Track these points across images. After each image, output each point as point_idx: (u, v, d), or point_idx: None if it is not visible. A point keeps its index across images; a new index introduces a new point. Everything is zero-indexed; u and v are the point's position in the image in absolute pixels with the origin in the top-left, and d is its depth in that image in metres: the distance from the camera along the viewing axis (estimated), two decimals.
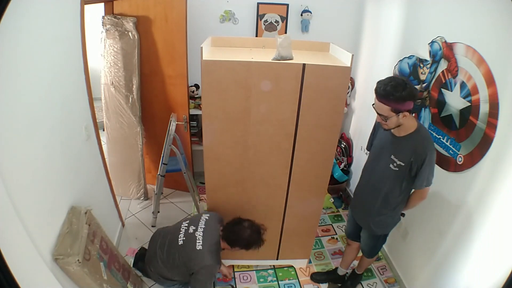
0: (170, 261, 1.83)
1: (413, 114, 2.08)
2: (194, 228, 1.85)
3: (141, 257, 2.08)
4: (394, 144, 1.58)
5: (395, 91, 1.37)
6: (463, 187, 1.60)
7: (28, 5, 1.22)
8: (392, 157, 1.56)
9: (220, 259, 1.86)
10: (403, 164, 1.53)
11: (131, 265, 2.09)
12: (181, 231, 1.87)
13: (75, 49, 1.77)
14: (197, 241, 1.78)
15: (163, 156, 2.42)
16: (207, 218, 1.91)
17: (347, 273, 2.25)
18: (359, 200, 1.84)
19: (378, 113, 1.47)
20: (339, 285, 2.21)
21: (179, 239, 1.83)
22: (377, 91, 1.43)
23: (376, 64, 2.63)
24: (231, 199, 1.96)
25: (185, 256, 1.78)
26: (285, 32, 2.85)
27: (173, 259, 1.81)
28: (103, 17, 2.46)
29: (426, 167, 1.48)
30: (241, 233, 1.80)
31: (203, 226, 1.86)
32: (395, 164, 1.56)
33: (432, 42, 1.86)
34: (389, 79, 1.42)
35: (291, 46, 1.62)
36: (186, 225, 1.90)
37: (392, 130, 1.56)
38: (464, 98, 1.61)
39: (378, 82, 1.44)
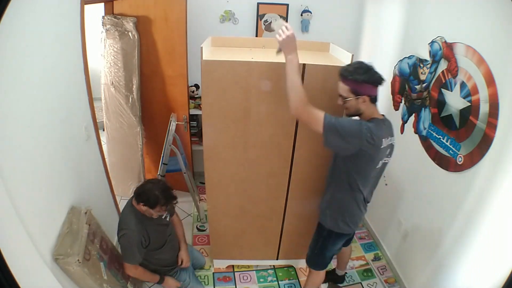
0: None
1: (413, 114, 2.08)
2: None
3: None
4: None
5: (355, 72, 1.38)
6: (463, 187, 1.60)
7: (28, 5, 1.22)
8: None
9: (143, 227, 1.76)
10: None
11: None
12: None
13: (75, 49, 1.77)
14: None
15: (163, 156, 2.42)
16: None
17: (346, 273, 2.25)
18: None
19: (339, 95, 1.47)
20: (339, 285, 2.21)
21: None
22: (340, 71, 1.43)
23: (376, 64, 2.59)
24: (231, 199, 1.96)
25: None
26: None
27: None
28: (103, 17, 2.46)
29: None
30: (143, 187, 1.72)
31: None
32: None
33: (432, 42, 1.86)
34: (355, 62, 1.46)
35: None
36: None
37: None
38: (464, 98, 1.61)
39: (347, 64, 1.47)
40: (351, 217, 1.61)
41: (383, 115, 1.51)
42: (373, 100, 1.44)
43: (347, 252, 2.08)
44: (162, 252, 1.90)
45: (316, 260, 1.82)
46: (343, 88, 1.44)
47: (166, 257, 1.96)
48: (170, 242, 1.96)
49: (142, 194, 1.70)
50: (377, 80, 1.40)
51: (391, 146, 1.52)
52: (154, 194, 1.68)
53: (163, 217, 1.89)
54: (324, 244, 1.73)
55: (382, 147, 1.42)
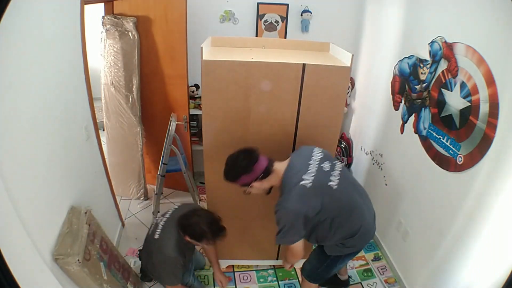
0: (146, 258, 1.81)
1: (413, 114, 2.08)
2: (162, 218, 1.80)
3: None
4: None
5: (227, 173, 1.49)
6: (463, 187, 1.60)
7: (28, 5, 1.22)
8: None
9: (184, 254, 1.74)
10: None
11: (137, 268, 2.10)
12: (155, 222, 1.85)
13: (75, 49, 1.77)
14: (157, 229, 1.72)
15: (163, 156, 2.42)
16: (177, 207, 1.85)
17: (350, 276, 2.23)
18: None
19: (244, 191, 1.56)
20: None
21: (149, 230, 1.84)
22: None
23: (376, 64, 2.63)
24: (231, 199, 1.96)
25: (147, 248, 1.75)
26: (285, 32, 2.85)
27: (145, 252, 1.81)
28: (103, 17, 2.46)
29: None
30: (190, 220, 1.66)
31: (168, 215, 1.79)
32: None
33: (432, 42, 1.86)
34: (226, 165, 1.50)
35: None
36: (162, 216, 1.84)
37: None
38: (464, 98, 1.61)
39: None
40: (356, 239, 1.54)
41: (288, 156, 1.56)
42: (267, 172, 1.47)
43: None
44: (191, 266, 1.94)
45: (316, 277, 1.78)
46: (238, 186, 1.52)
47: (191, 268, 1.99)
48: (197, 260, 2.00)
49: (188, 227, 1.65)
50: (245, 168, 1.45)
51: (324, 160, 1.51)
52: (201, 228, 1.62)
53: None
54: (330, 265, 1.68)
55: (315, 181, 1.40)
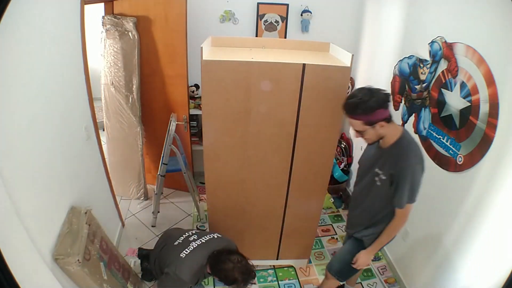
0: (162, 260, 1.82)
1: (413, 114, 2.08)
2: (195, 238, 1.81)
3: (145, 257, 2.09)
4: (378, 157, 1.47)
5: (361, 103, 1.30)
6: (463, 187, 1.60)
7: (28, 5, 1.22)
8: (377, 170, 1.46)
9: (196, 280, 1.74)
10: (384, 178, 1.42)
11: (137, 268, 2.09)
12: (184, 234, 1.86)
13: (75, 49, 1.77)
14: (186, 249, 1.72)
15: (163, 156, 2.42)
16: (215, 237, 1.84)
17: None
18: (349, 213, 1.78)
19: (354, 129, 1.43)
20: None
21: (177, 241, 1.82)
22: (344, 107, 1.37)
23: (376, 64, 2.63)
24: (231, 199, 1.96)
25: (168, 257, 1.75)
26: (285, 32, 2.85)
27: (164, 257, 1.80)
28: (103, 17, 2.46)
29: (404, 182, 1.35)
30: (223, 264, 1.63)
31: (203, 240, 1.78)
32: (379, 178, 1.45)
33: (432, 42, 1.86)
34: (354, 92, 1.36)
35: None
36: (193, 233, 1.87)
37: (378, 143, 1.47)
38: (464, 98, 1.61)
39: (346, 98, 1.38)
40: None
41: (400, 126, 1.45)
42: (389, 120, 1.36)
43: None
44: None
45: (347, 273, 1.76)
46: (355, 123, 1.37)
47: None
48: None
49: (220, 271, 1.63)
50: (385, 101, 1.32)
51: None
52: (234, 277, 1.59)
53: None
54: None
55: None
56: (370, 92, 1.31)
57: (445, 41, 1.75)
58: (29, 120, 1.26)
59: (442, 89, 1.79)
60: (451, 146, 1.70)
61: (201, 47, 1.54)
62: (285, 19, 2.79)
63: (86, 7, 1.83)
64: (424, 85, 1.96)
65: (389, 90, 2.38)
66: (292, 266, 2.37)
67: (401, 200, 1.39)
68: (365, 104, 1.29)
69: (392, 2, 2.37)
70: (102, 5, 2.45)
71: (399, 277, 2.24)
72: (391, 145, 1.40)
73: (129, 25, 2.38)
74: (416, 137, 2.03)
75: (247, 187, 1.91)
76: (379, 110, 1.31)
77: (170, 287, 1.71)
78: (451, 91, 1.71)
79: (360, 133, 1.41)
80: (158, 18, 2.36)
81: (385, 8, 2.48)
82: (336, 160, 3.09)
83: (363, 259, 1.62)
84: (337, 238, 2.67)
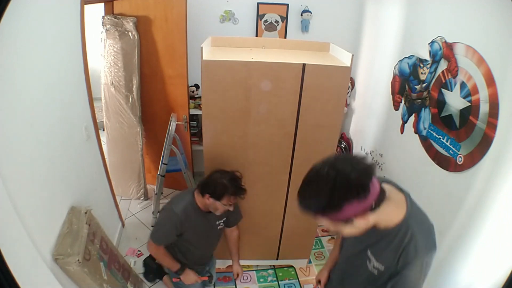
0: None
1: (413, 114, 2.08)
2: None
3: (151, 269, 2.07)
4: (373, 239, 1.00)
5: (317, 201, 0.83)
6: (463, 187, 1.60)
7: (28, 5, 1.22)
8: (369, 254, 1.02)
9: (186, 216, 1.65)
10: (381, 269, 0.98)
11: (137, 268, 2.08)
12: None
13: (75, 49, 1.77)
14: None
15: (163, 156, 2.42)
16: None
17: None
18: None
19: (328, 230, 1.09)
20: None
21: None
22: (298, 195, 0.89)
23: (376, 64, 2.63)
24: None
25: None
26: (285, 32, 2.85)
27: None
28: (103, 17, 2.46)
29: (408, 283, 0.93)
30: (211, 176, 1.62)
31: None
32: (372, 265, 1.01)
33: (432, 42, 1.86)
34: (317, 168, 0.86)
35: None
36: None
37: None
38: (464, 98, 1.61)
39: (303, 180, 0.89)
40: None
41: (403, 198, 0.96)
42: (377, 205, 0.86)
43: None
44: (195, 248, 1.83)
45: None
46: (328, 224, 0.91)
47: (196, 254, 1.88)
48: (208, 246, 1.93)
49: (209, 184, 1.60)
50: (363, 186, 0.81)
51: None
52: (222, 183, 1.57)
53: (217, 222, 1.82)
54: None
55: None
56: (339, 173, 0.80)
57: (445, 41, 1.75)
58: (29, 120, 1.26)
59: (442, 89, 1.79)
60: (451, 146, 1.70)
61: (201, 47, 1.54)
62: (285, 19, 2.79)
63: (86, 7, 1.83)
64: (424, 85, 1.96)
65: (389, 90, 2.38)
66: (292, 266, 2.37)
67: None
68: (327, 199, 0.81)
69: (392, 2, 2.37)
70: (102, 5, 2.45)
71: None
72: (392, 229, 0.93)
73: (129, 25, 2.38)
74: (416, 137, 2.03)
75: (247, 187, 1.91)
76: (352, 203, 0.81)
77: (162, 219, 1.72)
78: (451, 91, 1.71)
79: (336, 233, 1.03)
80: (158, 18, 2.36)
81: (385, 8, 2.48)
82: None
83: None
84: (337, 238, 2.67)
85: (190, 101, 2.75)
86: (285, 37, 2.87)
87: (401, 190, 0.99)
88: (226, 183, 1.58)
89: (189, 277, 1.82)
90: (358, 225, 0.88)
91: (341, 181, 0.79)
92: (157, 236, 1.71)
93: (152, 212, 2.62)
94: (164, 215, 1.71)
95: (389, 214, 0.92)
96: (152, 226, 1.71)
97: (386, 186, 0.93)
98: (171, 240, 1.73)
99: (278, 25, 2.81)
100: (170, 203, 1.71)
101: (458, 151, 1.64)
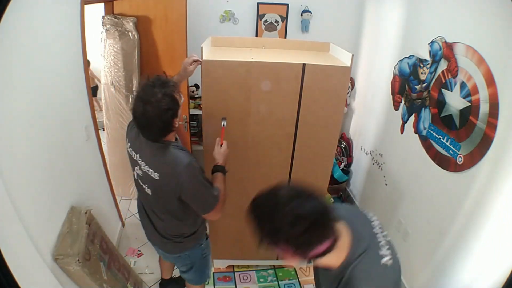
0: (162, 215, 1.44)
1: (413, 114, 2.08)
2: (139, 166, 1.37)
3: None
4: (326, 278, 1.03)
5: (260, 231, 0.83)
6: (463, 187, 1.60)
7: (28, 5, 1.22)
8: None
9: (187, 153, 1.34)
10: None
11: (137, 268, 2.07)
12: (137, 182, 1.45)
13: (75, 49, 1.77)
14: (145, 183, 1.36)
15: None
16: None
17: None
18: None
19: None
20: None
21: (143, 186, 1.40)
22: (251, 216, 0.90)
23: (376, 64, 2.63)
24: (230, 199, 1.96)
25: (158, 191, 1.35)
26: (285, 32, 2.85)
27: (159, 208, 1.42)
28: (103, 17, 2.46)
29: None
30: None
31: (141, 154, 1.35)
32: None
33: (432, 42, 1.86)
34: (270, 191, 0.90)
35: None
36: (134, 173, 1.45)
37: None
38: (464, 98, 1.61)
39: (254, 199, 0.93)
40: None
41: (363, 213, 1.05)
42: (330, 250, 0.84)
43: None
44: None
45: None
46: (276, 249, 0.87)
47: None
48: None
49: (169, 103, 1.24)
50: (322, 230, 0.81)
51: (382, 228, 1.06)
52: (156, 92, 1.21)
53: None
54: None
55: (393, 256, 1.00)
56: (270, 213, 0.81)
57: (445, 41, 1.75)
58: (29, 120, 1.26)
59: (442, 89, 1.79)
60: (451, 146, 1.70)
61: (201, 47, 1.54)
62: (285, 19, 2.79)
63: (86, 7, 1.83)
64: (424, 85, 1.96)
65: (389, 90, 2.38)
66: (292, 266, 2.37)
67: None
68: (265, 232, 0.82)
69: (392, 2, 2.37)
70: (102, 5, 2.45)
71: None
72: (335, 270, 0.93)
73: (129, 25, 2.38)
74: (416, 137, 2.03)
75: (247, 187, 1.91)
76: (310, 247, 0.81)
77: (200, 181, 1.31)
78: (451, 91, 1.71)
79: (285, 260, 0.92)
80: (158, 18, 2.36)
81: (385, 8, 2.48)
82: (336, 160, 3.09)
83: None
84: None
85: (190, 101, 2.75)
86: (285, 37, 2.87)
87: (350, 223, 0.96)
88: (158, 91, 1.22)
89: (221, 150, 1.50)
90: (318, 263, 0.89)
91: (298, 222, 0.78)
92: (210, 198, 1.34)
93: None
94: (198, 172, 1.30)
95: (332, 257, 0.88)
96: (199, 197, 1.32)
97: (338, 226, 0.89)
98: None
99: (278, 25, 2.81)
100: (189, 166, 1.27)
101: (458, 151, 1.65)
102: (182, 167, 1.25)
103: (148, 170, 1.31)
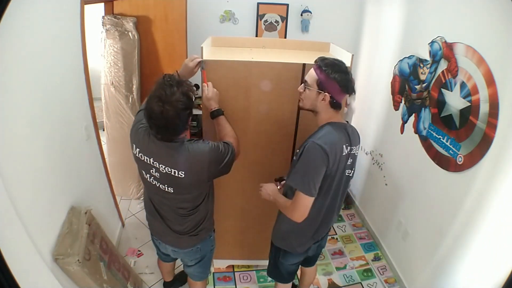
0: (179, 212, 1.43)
1: (413, 114, 2.08)
2: (154, 169, 1.32)
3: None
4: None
5: (332, 67, 1.24)
6: (463, 187, 1.60)
7: (28, 5, 1.22)
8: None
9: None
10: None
11: (137, 268, 2.06)
12: (153, 184, 1.39)
13: (75, 49, 1.77)
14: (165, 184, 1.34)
15: None
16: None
17: None
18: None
19: (304, 80, 1.33)
20: None
21: (162, 188, 1.36)
22: (318, 58, 1.30)
23: (376, 64, 2.63)
24: (231, 199, 1.96)
25: (180, 189, 1.35)
26: (285, 32, 2.85)
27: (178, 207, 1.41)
28: (103, 17, 2.46)
29: (297, 162, 1.27)
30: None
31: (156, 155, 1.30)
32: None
33: (432, 42, 1.86)
34: (337, 59, 1.30)
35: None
36: (148, 176, 1.39)
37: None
38: (464, 98, 1.61)
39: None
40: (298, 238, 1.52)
41: (347, 121, 1.39)
42: (334, 105, 1.29)
43: (309, 273, 1.93)
44: None
45: (276, 274, 1.76)
46: (311, 76, 1.29)
47: None
48: None
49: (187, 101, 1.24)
50: (348, 86, 1.26)
51: (353, 156, 1.37)
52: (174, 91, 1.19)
53: None
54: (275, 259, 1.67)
55: (341, 154, 1.28)
56: (345, 70, 1.26)
57: (445, 41, 1.75)
58: (29, 120, 1.26)
59: (442, 89, 1.79)
60: (451, 146, 1.70)
61: (201, 47, 1.54)
62: (285, 19, 2.79)
63: (86, 7, 1.83)
64: (424, 85, 1.96)
65: (389, 90, 2.39)
66: None
67: (290, 179, 1.32)
68: (333, 70, 1.23)
69: (392, 2, 2.37)
70: (102, 5, 2.45)
71: (399, 277, 2.24)
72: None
73: (129, 25, 2.38)
74: (416, 137, 2.03)
75: (247, 187, 1.91)
76: (337, 85, 1.23)
77: (224, 158, 1.36)
78: (451, 91, 1.71)
79: (305, 86, 1.31)
80: (158, 18, 2.37)
81: (385, 8, 2.48)
82: None
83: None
84: (337, 238, 2.67)
85: None
86: (285, 37, 2.87)
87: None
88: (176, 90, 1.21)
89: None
90: (318, 98, 1.29)
91: (346, 76, 1.26)
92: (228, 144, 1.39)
93: None
94: (219, 150, 1.32)
95: (323, 116, 1.32)
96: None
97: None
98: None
99: (278, 25, 2.81)
100: (211, 151, 1.32)
101: (458, 151, 1.65)
102: (206, 156, 1.31)
103: (169, 171, 1.29)
